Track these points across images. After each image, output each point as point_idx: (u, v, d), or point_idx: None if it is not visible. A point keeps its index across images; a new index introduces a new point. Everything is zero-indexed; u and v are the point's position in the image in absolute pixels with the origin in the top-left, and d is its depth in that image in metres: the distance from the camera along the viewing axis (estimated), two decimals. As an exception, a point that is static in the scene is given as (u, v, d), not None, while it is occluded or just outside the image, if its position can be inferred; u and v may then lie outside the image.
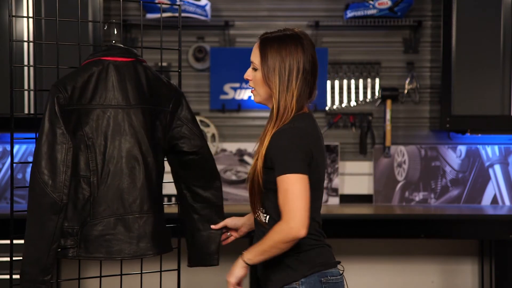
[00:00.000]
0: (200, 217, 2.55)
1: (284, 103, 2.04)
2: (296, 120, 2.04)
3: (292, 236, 1.95)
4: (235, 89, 4.33)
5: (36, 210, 2.20)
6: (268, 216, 2.09)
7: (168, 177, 2.57)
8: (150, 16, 4.10)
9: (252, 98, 2.17)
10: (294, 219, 1.94)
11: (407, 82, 4.36)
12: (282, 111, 2.04)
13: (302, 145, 1.99)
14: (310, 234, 2.02)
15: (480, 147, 4.36)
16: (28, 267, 2.22)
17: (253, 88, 2.14)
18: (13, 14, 3.69)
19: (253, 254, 2.04)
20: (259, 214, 2.12)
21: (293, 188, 1.95)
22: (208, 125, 4.32)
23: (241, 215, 2.47)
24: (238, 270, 2.06)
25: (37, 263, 2.21)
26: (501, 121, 4.07)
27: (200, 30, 4.35)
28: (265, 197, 2.07)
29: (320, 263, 2.06)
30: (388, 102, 4.34)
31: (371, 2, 4.20)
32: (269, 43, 2.07)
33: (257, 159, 2.04)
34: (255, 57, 2.09)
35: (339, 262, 2.11)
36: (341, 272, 2.10)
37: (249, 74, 2.13)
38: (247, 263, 2.05)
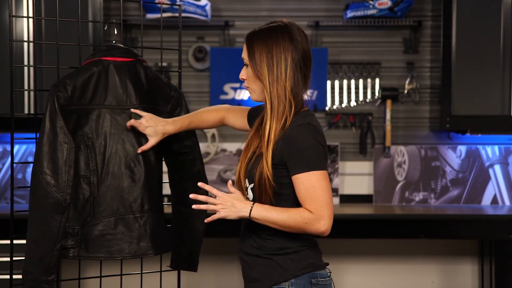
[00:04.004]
0: (182, 220, 2.54)
1: (277, 94, 2.00)
2: (307, 116, 2.01)
3: (319, 233, 1.94)
4: (235, 89, 4.33)
5: (39, 210, 2.19)
6: None
7: (167, 177, 2.57)
8: (150, 16, 4.10)
9: (251, 97, 2.12)
10: (326, 218, 1.93)
11: (407, 82, 4.36)
12: (276, 103, 2.00)
13: (321, 142, 1.98)
14: (305, 234, 2.00)
15: (480, 147, 4.36)
16: (32, 267, 2.21)
17: (248, 86, 2.09)
18: (13, 14, 3.69)
19: (262, 216, 1.96)
20: None
21: (321, 185, 1.94)
22: (208, 125, 4.31)
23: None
24: (235, 214, 1.96)
25: (41, 263, 2.20)
26: (501, 121, 4.07)
27: (200, 30, 4.35)
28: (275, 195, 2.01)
29: (311, 264, 2.02)
30: (388, 102, 4.34)
31: (371, 2, 4.20)
32: (255, 36, 2.04)
33: (263, 158, 2.00)
34: (244, 53, 2.06)
35: (327, 264, 2.08)
36: (329, 274, 2.06)
37: (243, 73, 2.09)
38: (249, 217, 1.96)
